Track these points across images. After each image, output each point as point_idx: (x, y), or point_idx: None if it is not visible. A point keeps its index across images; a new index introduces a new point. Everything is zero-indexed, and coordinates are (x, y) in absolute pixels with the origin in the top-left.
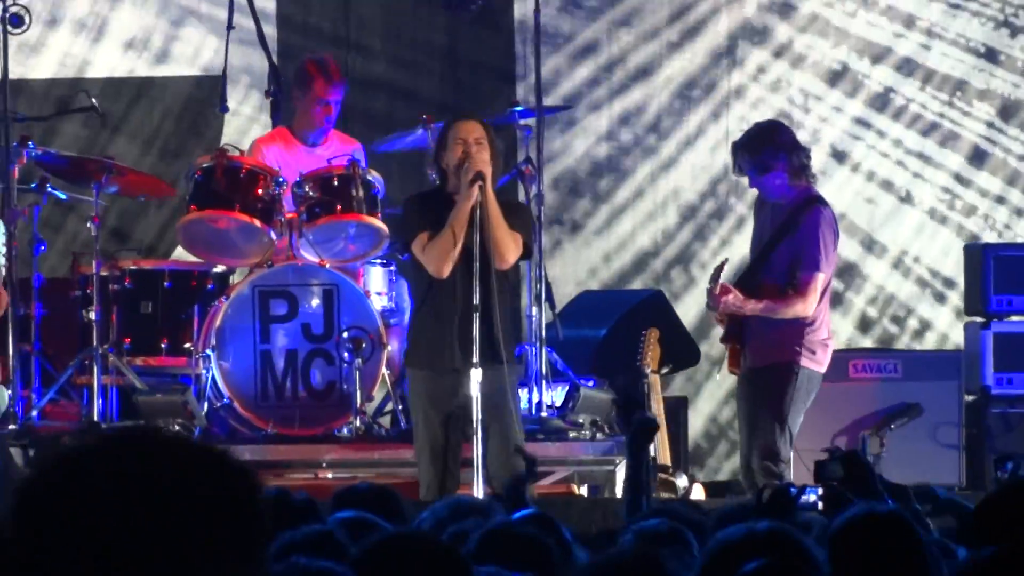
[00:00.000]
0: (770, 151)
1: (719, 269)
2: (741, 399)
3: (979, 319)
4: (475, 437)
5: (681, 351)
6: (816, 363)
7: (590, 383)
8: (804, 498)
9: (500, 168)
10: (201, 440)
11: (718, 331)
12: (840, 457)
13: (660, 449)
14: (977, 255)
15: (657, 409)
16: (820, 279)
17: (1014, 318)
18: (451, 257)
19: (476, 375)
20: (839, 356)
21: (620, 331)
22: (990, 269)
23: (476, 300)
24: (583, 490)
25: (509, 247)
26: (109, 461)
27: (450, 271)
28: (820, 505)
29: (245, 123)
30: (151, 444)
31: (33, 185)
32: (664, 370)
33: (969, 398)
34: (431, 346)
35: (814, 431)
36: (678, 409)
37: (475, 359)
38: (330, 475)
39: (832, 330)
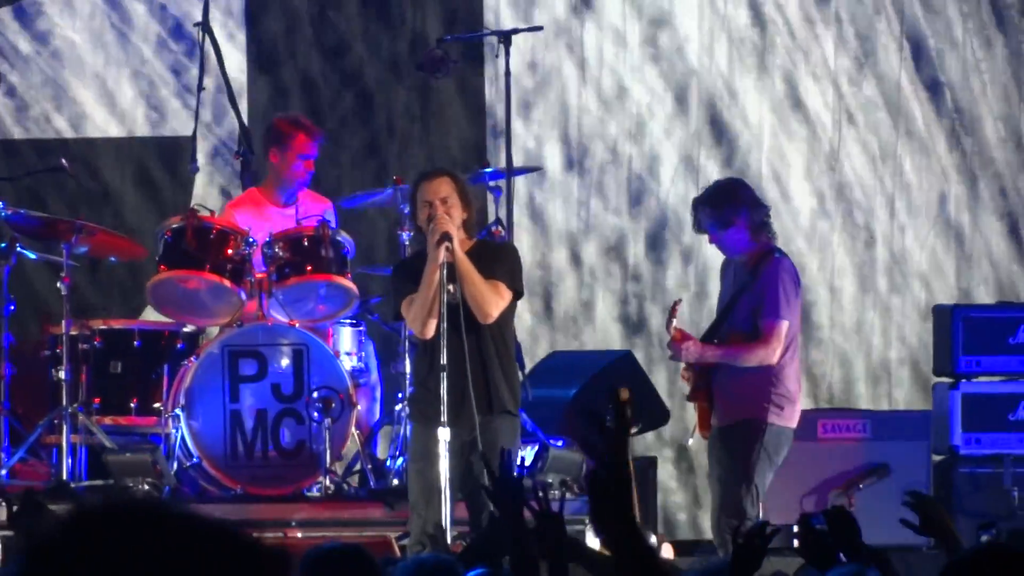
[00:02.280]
0: (731, 207)
1: (672, 311)
2: (711, 457)
3: (947, 379)
4: (443, 494)
5: (651, 411)
6: (784, 419)
7: (559, 443)
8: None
9: (474, 215)
10: (232, 526)
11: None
12: (828, 512)
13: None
14: (946, 316)
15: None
16: (783, 326)
17: (982, 379)
18: (427, 319)
19: (444, 434)
20: (807, 416)
21: (590, 391)
22: (959, 330)
23: (443, 360)
24: None
25: (488, 300)
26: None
27: (433, 331)
28: (795, 543)
29: (215, 184)
30: (168, 520)
31: (3, 245)
32: (633, 430)
33: (937, 458)
34: (426, 402)
35: (783, 490)
36: (647, 469)
37: (443, 418)
38: (299, 535)
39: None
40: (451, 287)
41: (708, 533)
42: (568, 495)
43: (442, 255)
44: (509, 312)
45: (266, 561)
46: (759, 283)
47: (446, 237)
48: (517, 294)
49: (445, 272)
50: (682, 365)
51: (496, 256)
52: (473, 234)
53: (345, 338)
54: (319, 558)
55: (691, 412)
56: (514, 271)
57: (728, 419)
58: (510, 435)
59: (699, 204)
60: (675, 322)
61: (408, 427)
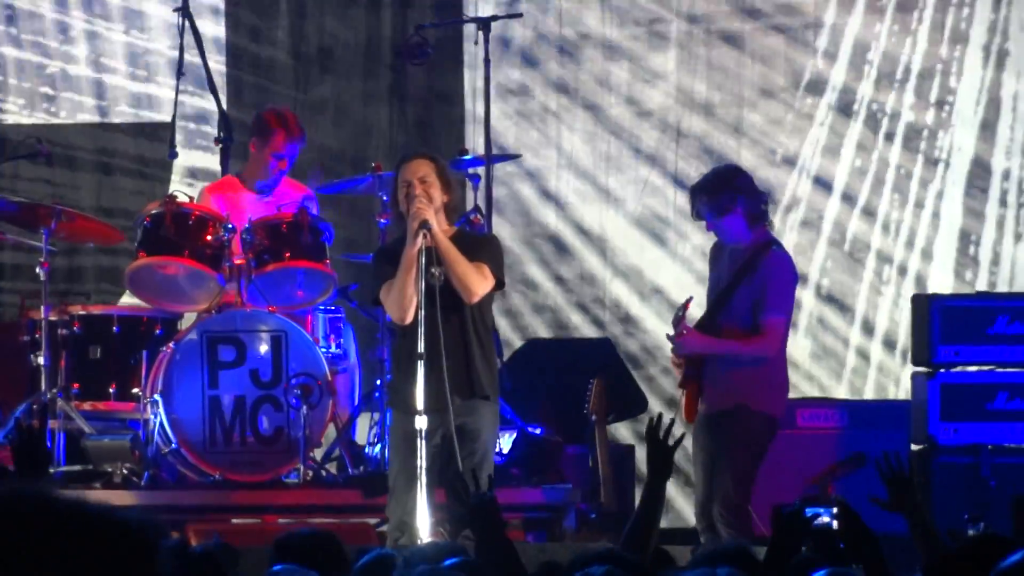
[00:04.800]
0: (729, 195)
1: (683, 308)
2: (698, 445)
3: (926, 369)
4: (419, 480)
5: (628, 400)
6: (773, 408)
7: (537, 430)
8: (819, 519)
9: (457, 197)
10: (94, 501)
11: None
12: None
13: (605, 496)
14: (924, 305)
15: (603, 456)
16: (783, 322)
17: (961, 368)
18: (406, 304)
19: (421, 422)
20: (786, 405)
21: (567, 379)
22: (937, 319)
23: (420, 348)
24: (530, 537)
25: (472, 280)
26: None
27: (412, 317)
28: (835, 525)
29: (193, 169)
30: (38, 508)
31: None
32: (610, 418)
33: (916, 447)
34: (405, 388)
35: (761, 479)
36: (625, 457)
37: (419, 406)
38: (278, 521)
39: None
40: (434, 270)
41: (691, 520)
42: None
43: (419, 242)
44: (488, 299)
45: (138, 541)
46: (759, 277)
47: (424, 225)
48: (499, 283)
49: (424, 258)
50: (670, 350)
51: (478, 245)
52: (454, 219)
53: (324, 324)
54: (289, 543)
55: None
56: (496, 260)
57: (718, 407)
58: (489, 421)
59: (696, 191)
60: (685, 320)
61: (387, 414)
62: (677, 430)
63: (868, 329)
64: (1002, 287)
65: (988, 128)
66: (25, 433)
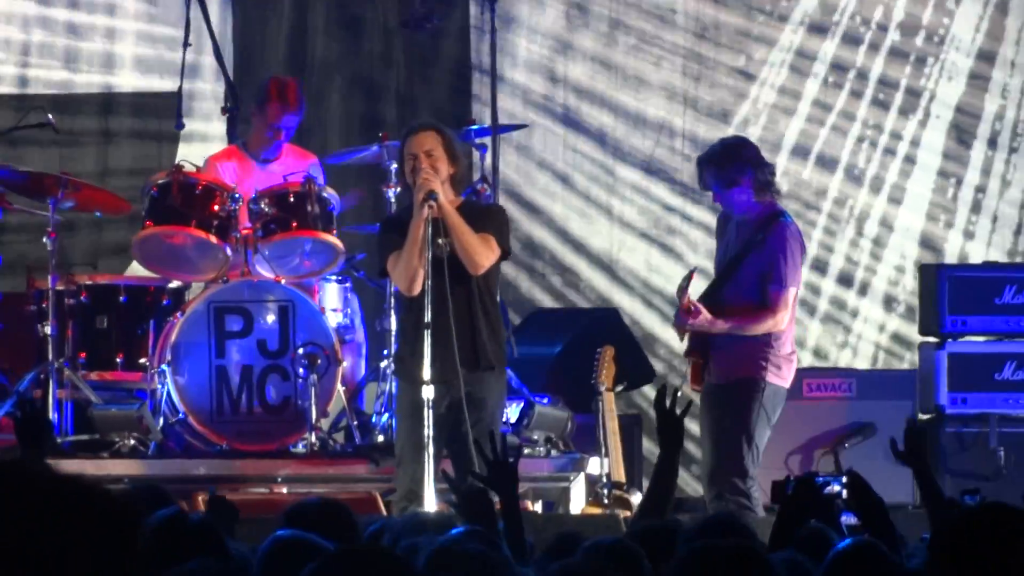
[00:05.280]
0: (736, 166)
1: (687, 279)
2: (705, 415)
3: (933, 339)
4: (427, 451)
5: (635, 369)
6: (781, 378)
7: (544, 400)
8: (828, 488)
9: (464, 167)
10: (74, 474)
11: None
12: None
13: (614, 466)
14: (932, 275)
15: (611, 427)
16: (791, 294)
17: (968, 338)
18: (413, 276)
19: (428, 391)
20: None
21: (575, 349)
22: (944, 289)
23: (427, 317)
24: (537, 506)
25: (477, 251)
26: None
27: (419, 287)
28: (844, 494)
29: (200, 139)
30: (15, 479)
31: None
32: (618, 388)
33: (923, 417)
34: (412, 359)
35: (768, 449)
36: (632, 427)
37: (426, 376)
38: (285, 490)
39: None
40: (441, 241)
41: (698, 490)
42: (553, 452)
43: (426, 213)
44: (495, 269)
45: (116, 513)
46: (767, 248)
47: (431, 196)
48: (505, 253)
49: (430, 228)
50: (673, 320)
51: (484, 216)
52: (460, 190)
53: (331, 294)
54: (299, 513)
55: (677, 371)
56: (502, 230)
57: (726, 377)
58: (496, 391)
59: (703, 162)
60: (688, 292)
61: (394, 384)
62: (685, 401)
63: (873, 298)
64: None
65: None
66: (27, 406)
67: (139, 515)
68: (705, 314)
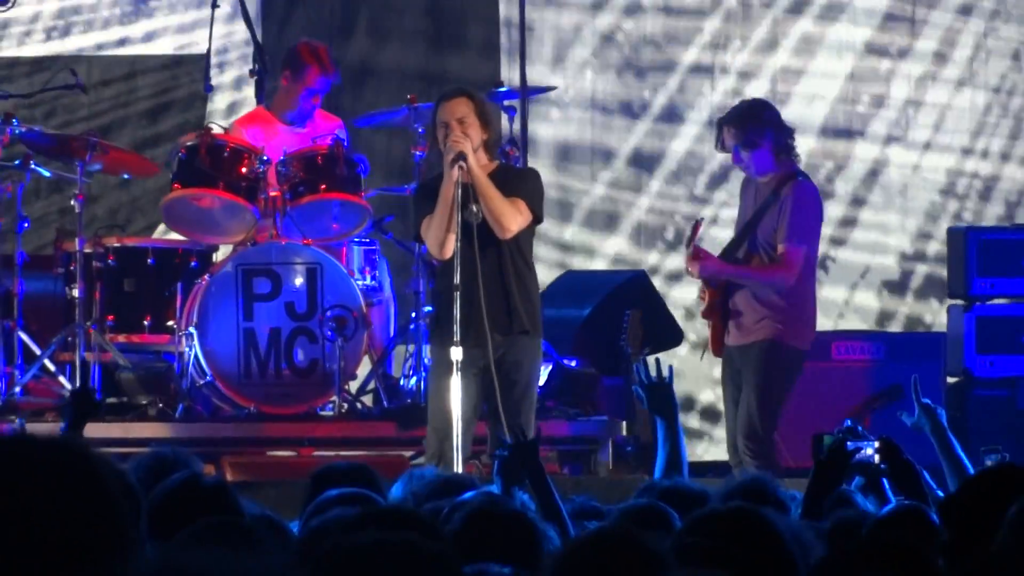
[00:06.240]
0: (757, 128)
1: (695, 228)
2: (727, 378)
3: (961, 302)
4: (453, 414)
5: (663, 332)
6: (800, 341)
7: (573, 363)
8: (861, 453)
9: (497, 133)
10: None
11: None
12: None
13: (643, 429)
14: (960, 238)
15: None
16: (802, 252)
17: (997, 301)
18: (444, 239)
19: (456, 353)
20: (821, 338)
21: (603, 312)
22: (973, 252)
23: (456, 280)
24: (565, 470)
25: (506, 215)
26: None
27: (451, 251)
28: (876, 458)
29: (230, 101)
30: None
31: (16, 163)
32: (646, 351)
33: (951, 380)
34: (443, 321)
35: (795, 412)
36: None
37: (456, 338)
38: (313, 453)
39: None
40: (474, 208)
41: (724, 454)
42: (580, 415)
43: (456, 174)
44: (528, 233)
45: (112, 482)
46: (781, 206)
47: (460, 156)
48: (537, 218)
49: (460, 191)
50: (699, 283)
51: (518, 179)
52: (494, 154)
53: (359, 257)
54: (326, 475)
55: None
56: (534, 195)
57: (744, 339)
58: (530, 354)
59: (724, 124)
60: (696, 240)
61: (423, 347)
62: (705, 362)
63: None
64: None
65: None
66: (80, 395)
67: (138, 501)
68: (713, 258)
